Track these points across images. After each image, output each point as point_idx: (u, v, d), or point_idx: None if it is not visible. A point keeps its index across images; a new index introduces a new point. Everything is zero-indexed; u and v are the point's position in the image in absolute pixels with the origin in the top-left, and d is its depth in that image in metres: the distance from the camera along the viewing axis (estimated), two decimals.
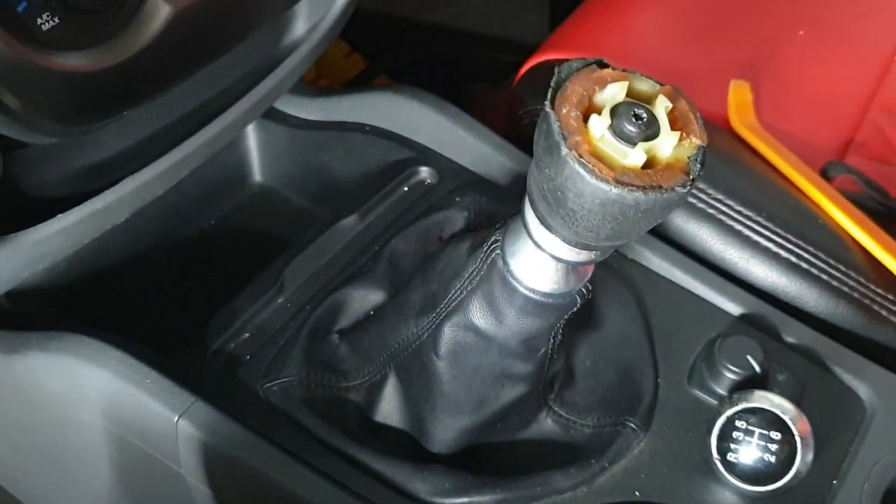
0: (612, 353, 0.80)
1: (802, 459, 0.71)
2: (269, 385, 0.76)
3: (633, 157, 0.53)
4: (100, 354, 0.75)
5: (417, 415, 0.74)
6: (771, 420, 0.71)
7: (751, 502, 0.73)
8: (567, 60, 0.56)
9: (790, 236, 0.90)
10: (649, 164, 0.53)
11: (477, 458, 0.75)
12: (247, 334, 0.80)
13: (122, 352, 0.75)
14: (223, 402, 0.74)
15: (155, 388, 0.73)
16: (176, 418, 0.72)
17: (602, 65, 0.56)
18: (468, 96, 1.42)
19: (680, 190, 0.53)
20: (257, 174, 1.04)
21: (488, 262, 0.66)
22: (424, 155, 0.94)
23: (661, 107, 0.54)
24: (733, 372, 0.76)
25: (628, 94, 0.55)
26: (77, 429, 0.81)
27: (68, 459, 0.87)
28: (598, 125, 0.53)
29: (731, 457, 0.72)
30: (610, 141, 0.53)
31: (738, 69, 1.10)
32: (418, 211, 0.88)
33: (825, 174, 1.01)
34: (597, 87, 0.55)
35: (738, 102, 1.06)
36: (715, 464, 0.72)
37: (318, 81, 1.63)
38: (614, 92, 0.54)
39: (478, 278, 0.67)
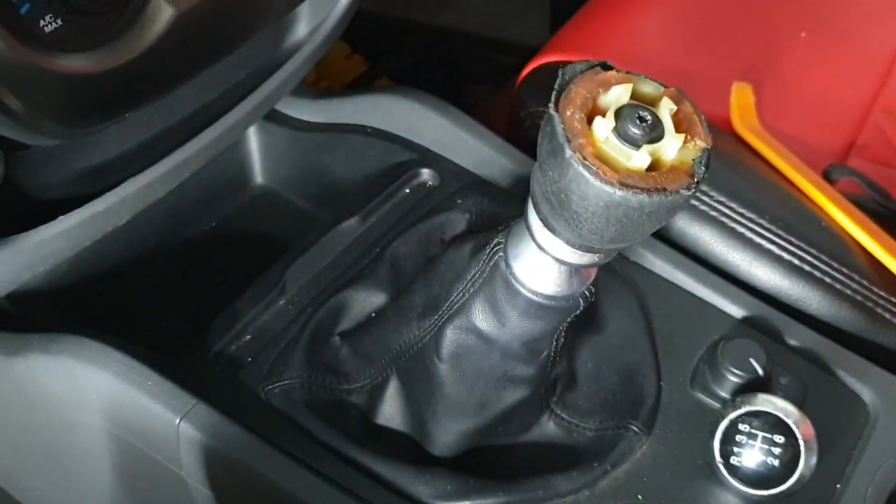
0: (614, 356, 0.79)
1: (806, 463, 0.70)
2: (270, 387, 0.75)
3: (638, 159, 0.52)
4: (101, 356, 0.75)
5: (419, 417, 0.74)
6: (774, 423, 0.71)
7: None
8: (569, 62, 0.56)
9: (793, 239, 0.90)
10: (654, 166, 0.53)
11: (479, 461, 0.74)
12: (248, 336, 0.80)
13: (123, 354, 0.75)
14: (224, 404, 0.73)
15: (156, 391, 0.73)
16: (177, 420, 0.72)
17: (606, 67, 0.56)
18: (469, 98, 1.42)
19: (684, 192, 0.52)
20: (259, 176, 1.04)
21: (491, 264, 0.66)
22: (426, 157, 0.94)
23: (666, 109, 0.54)
24: (736, 375, 0.76)
25: (632, 97, 0.55)
26: (78, 431, 0.80)
27: (69, 461, 0.87)
28: (603, 127, 0.53)
29: (734, 460, 0.72)
30: (614, 143, 0.53)
31: (740, 71, 1.10)
32: (420, 213, 0.88)
33: (827, 176, 1.01)
34: (601, 90, 0.55)
35: (741, 104, 1.06)
36: (718, 467, 0.72)
37: (318, 83, 1.63)
38: (618, 94, 0.54)
39: (480, 281, 0.67)
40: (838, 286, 0.88)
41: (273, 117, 0.99)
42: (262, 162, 1.03)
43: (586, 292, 0.66)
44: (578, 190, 0.53)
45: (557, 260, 0.61)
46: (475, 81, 1.62)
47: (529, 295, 0.65)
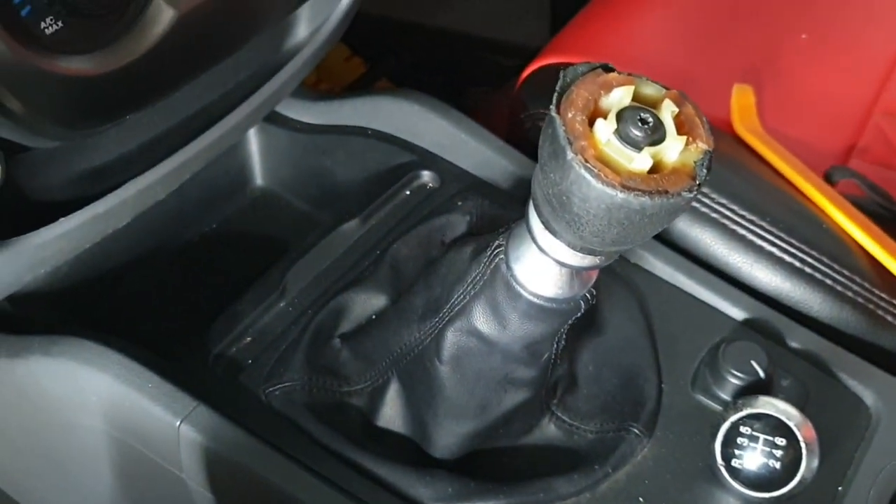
0: (615, 358, 0.79)
1: (807, 466, 0.70)
2: (271, 389, 0.75)
3: (640, 161, 0.52)
4: (101, 358, 0.75)
5: (420, 420, 0.74)
6: (776, 426, 0.71)
7: None
8: (569, 64, 0.56)
9: (794, 241, 0.90)
10: (655, 168, 0.53)
11: (479, 464, 0.74)
12: (249, 338, 0.80)
13: (123, 356, 0.75)
14: (225, 406, 0.73)
15: (157, 393, 0.73)
16: (178, 423, 0.72)
17: (607, 69, 0.56)
18: (469, 100, 1.42)
19: (686, 195, 0.52)
20: (259, 178, 1.04)
21: (492, 266, 0.66)
22: (426, 159, 0.94)
23: (668, 111, 0.54)
24: (737, 377, 0.76)
25: (634, 99, 0.54)
26: (78, 433, 0.80)
27: (69, 463, 0.87)
28: (604, 130, 0.53)
29: (735, 463, 0.71)
30: (616, 145, 0.52)
31: (741, 73, 1.10)
32: (420, 215, 0.88)
33: (829, 178, 1.01)
34: (602, 92, 0.54)
35: (742, 106, 1.06)
36: (719, 470, 0.72)
37: (318, 85, 1.63)
38: (620, 96, 0.54)
39: (481, 283, 0.67)
40: (839, 288, 0.88)
41: (273, 119, 0.99)
42: (262, 164, 1.03)
43: (587, 295, 0.66)
44: (580, 192, 0.52)
45: (558, 262, 0.61)
46: (475, 83, 1.62)
47: (530, 297, 0.64)
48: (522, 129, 1.03)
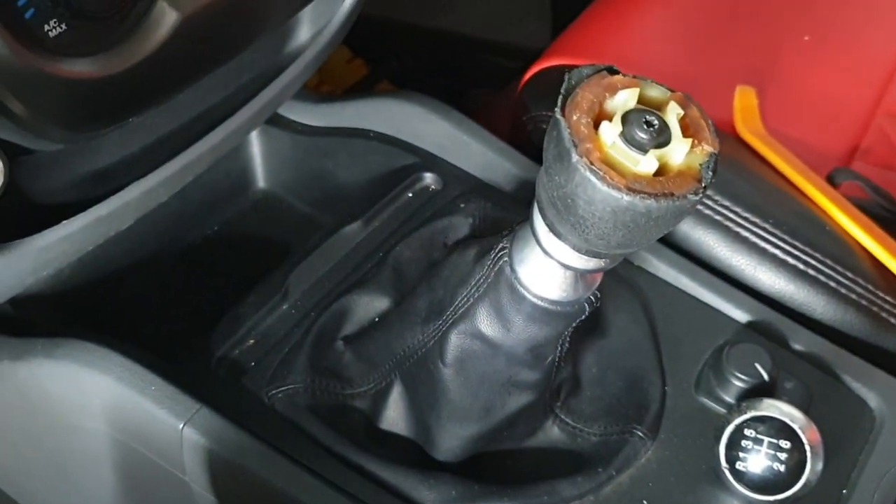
0: (618, 361, 0.79)
1: (812, 468, 0.70)
2: (274, 392, 0.75)
3: (645, 164, 0.52)
4: (104, 361, 0.75)
5: (423, 422, 0.74)
6: (780, 428, 0.71)
7: None
8: (571, 66, 0.56)
9: (797, 243, 0.89)
10: (661, 171, 0.53)
11: (483, 467, 0.74)
12: (251, 341, 0.79)
13: (126, 358, 0.75)
14: (228, 409, 0.73)
15: (160, 396, 0.73)
16: (181, 426, 0.72)
17: (612, 71, 0.56)
18: (470, 102, 1.42)
19: (692, 197, 0.52)
20: (261, 180, 1.04)
21: (496, 269, 0.66)
22: (428, 161, 0.94)
23: (673, 114, 0.54)
24: (741, 380, 0.76)
25: (639, 101, 0.54)
26: (81, 435, 0.80)
27: (72, 466, 0.87)
28: (610, 132, 0.52)
29: (739, 465, 0.71)
30: (621, 148, 0.52)
31: (744, 75, 1.10)
32: (423, 217, 0.88)
33: (831, 180, 1.01)
34: (607, 94, 0.54)
35: (744, 108, 1.06)
36: (723, 472, 0.72)
37: (320, 87, 1.63)
38: (625, 98, 0.54)
39: (485, 286, 0.67)
40: (843, 290, 0.88)
41: (275, 121, 0.99)
42: (264, 166, 1.03)
43: (592, 297, 0.66)
44: (585, 195, 0.52)
45: (563, 265, 0.61)
46: (476, 85, 1.62)
47: (535, 300, 0.64)
48: (524, 131, 1.03)
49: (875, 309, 0.88)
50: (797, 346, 0.83)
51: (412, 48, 1.69)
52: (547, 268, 0.62)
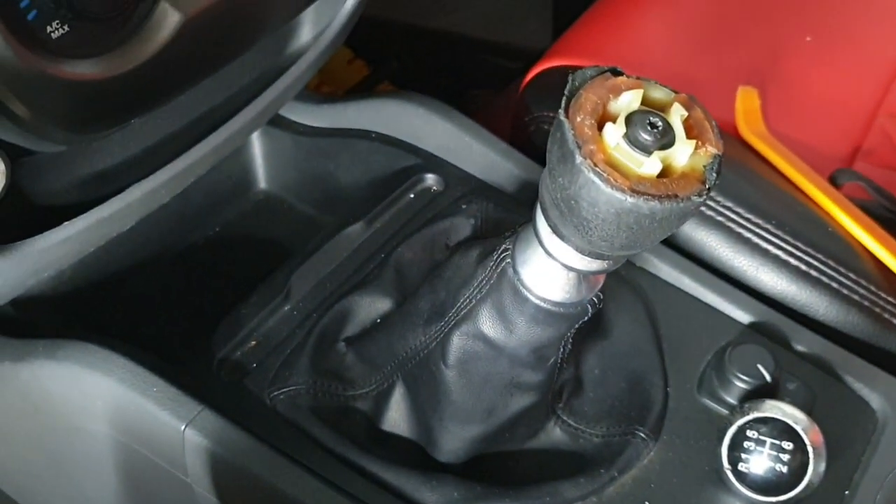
0: (621, 362, 0.79)
1: (814, 470, 0.70)
2: (276, 393, 0.75)
3: (649, 165, 0.52)
4: (106, 363, 0.75)
5: (425, 424, 0.74)
6: (782, 430, 0.71)
7: None
8: (573, 67, 0.56)
9: (799, 244, 0.89)
10: (664, 172, 0.53)
11: (485, 468, 0.74)
12: (253, 342, 0.79)
13: (128, 360, 0.75)
14: (230, 410, 0.73)
15: (161, 397, 0.73)
16: (183, 427, 0.72)
17: (616, 72, 0.56)
18: (471, 102, 1.42)
19: (696, 199, 0.52)
20: (262, 181, 1.04)
21: (498, 270, 0.66)
22: (430, 162, 0.94)
23: (677, 115, 0.54)
24: (743, 381, 0.76)
25: (643, 103, 0.54)
26: (83, 437, 0.80)
27: (74, 467, 0.87)
28: (613, 134, 0.52)
29: (742, 467, 0.71)
30: (625, 150, 0.52)
31: (746, 75, 1.10)
32: (424, 218, 0.88)
33: (834, 181, 1.01)
34: (611, 95, 0.54)
35: (746, 109, 1.06)
36: (726, 474, 0.72)
37: (321, 88, 1.63)
38: (629, 100, 0.54)
39: (487, 287, 0.67)
40: (845, 291, 0.88)
41: (277, 122, 0.99)
42: (265, 167, 1.03)
43: (594, 299, 0.66)
44: (589, 196, 0.52)
45: (566, 266, 0.61)
46: (477, 85, 1.62)
47: (537, 301, 0.64)
48: (526, 132, 1.03)
49: (878, 310, 0.88)
50: (800, 348, 0.83)
51: (413, 49, 1.69)
52: (550, 269, 0.62)
